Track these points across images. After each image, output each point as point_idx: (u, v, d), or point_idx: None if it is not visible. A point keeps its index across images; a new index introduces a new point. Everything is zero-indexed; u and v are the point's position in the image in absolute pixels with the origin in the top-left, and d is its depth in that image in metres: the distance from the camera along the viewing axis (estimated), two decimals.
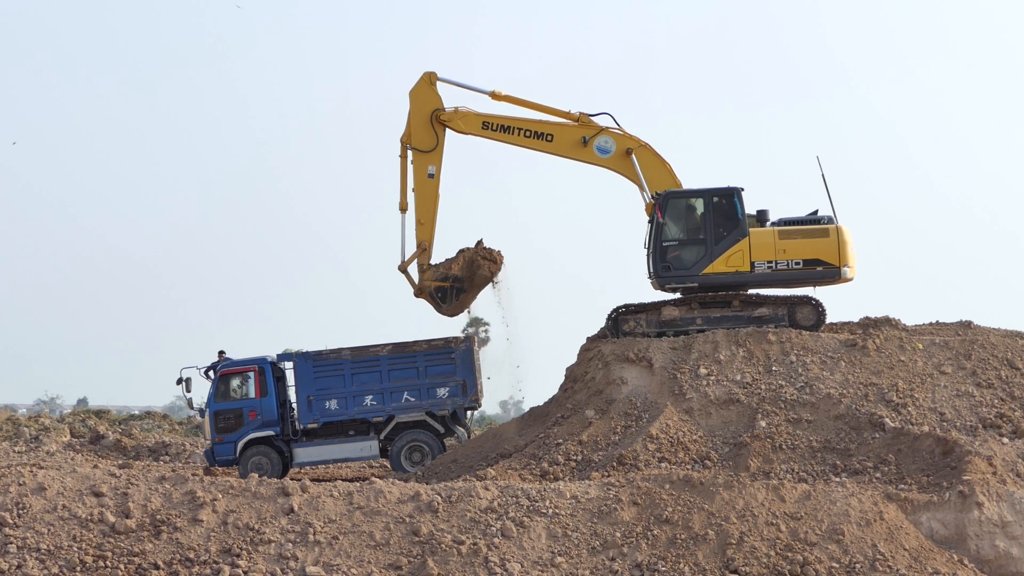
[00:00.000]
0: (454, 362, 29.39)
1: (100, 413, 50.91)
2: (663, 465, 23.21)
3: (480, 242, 29.14)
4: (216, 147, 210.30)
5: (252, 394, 29.76)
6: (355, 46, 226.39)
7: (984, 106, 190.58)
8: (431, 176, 28.47)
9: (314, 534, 19.94)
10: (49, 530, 19.99)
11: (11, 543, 19.70)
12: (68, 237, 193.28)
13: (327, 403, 29.52)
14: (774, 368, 25.24)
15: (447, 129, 28.51)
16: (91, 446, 39.35)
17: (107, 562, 19.49)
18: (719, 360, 25.47)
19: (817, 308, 26.94)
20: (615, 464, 23.24)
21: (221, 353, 30.45)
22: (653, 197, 27.35)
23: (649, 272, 27.26)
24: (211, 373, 30.01)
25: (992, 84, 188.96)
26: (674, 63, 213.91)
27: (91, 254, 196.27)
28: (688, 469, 22.93)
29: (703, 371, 25.22)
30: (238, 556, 19.58)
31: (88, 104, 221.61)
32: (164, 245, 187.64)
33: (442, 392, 29.49)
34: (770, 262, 26.63)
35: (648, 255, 27.16)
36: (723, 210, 26.89)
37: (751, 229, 26.76)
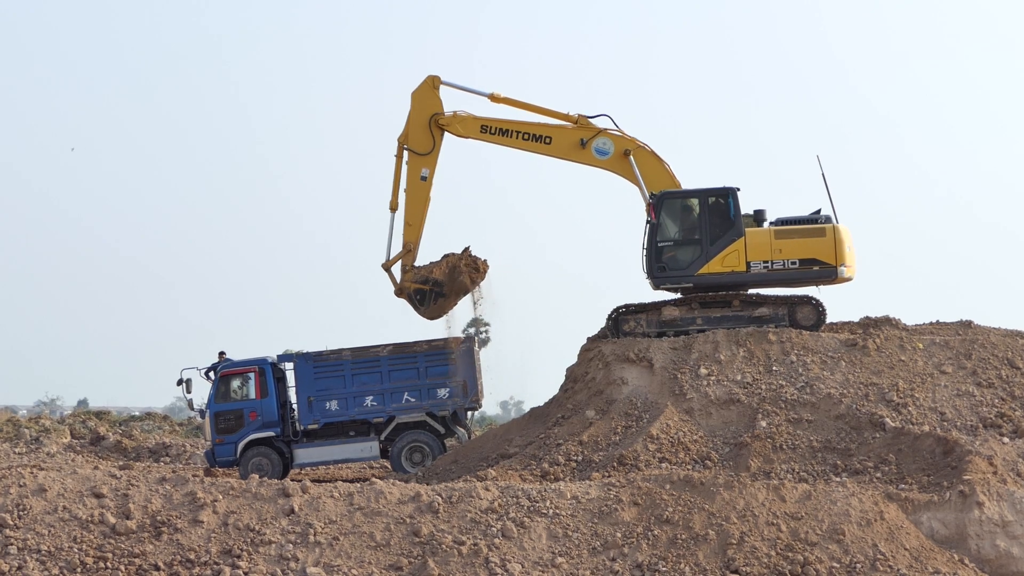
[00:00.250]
0: (455, 363, 29.40)
1: (100, 414, 50.92)
2: (664, 465, 23.21)
3: (467, 249, 29.19)
4: (216, 148, 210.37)
5: (252, 395, 29.76)
6: (356, 46, 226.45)
7: (984, 105, 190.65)
8: (423, 179, 28.60)
9: (315, 535, 19.94)
10: (50, 531, 19.99)
11: (12, 544, 19.70)
12: (68, 238, 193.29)
13: (327, 404, 29.52)
14: (774, 368, 25.24)
15: (446, 133, 28.62)
16: (92, 447, 39.35)
17: (108, 563, 19.49)
18: (719, 360, 25.47)
19: (817, 308, 26.92)
20: (616, 464, 23.24)
21: (221, 354, 30.44)
22: (650, 197, 27.38)
23: (644, 272, 27.25)
24: (211, 374, 30.00)
25: (992, 83, 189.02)
26: (675, 63, 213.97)
27: (91, 255, 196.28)
28: (689, 469, 22.93)
29: (703, 371, 25.22)
30: (239, 557, 19.59)
31: (88, 105, 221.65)
32: (164, 246, 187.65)
33: (443, 393, 29.49)
34: (766, 262, 26.62)
35: (644, 255, 27.16)
36: (719, 210, 26.89)
37: (747, 229, 26.76)
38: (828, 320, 27.17)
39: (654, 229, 26.98)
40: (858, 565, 19.64)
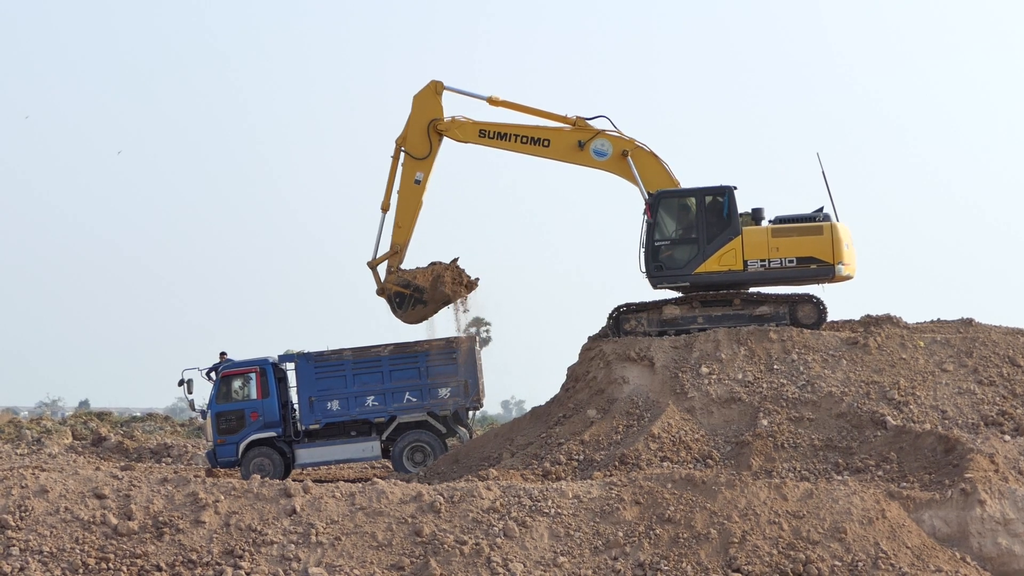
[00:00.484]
0: (455, 362, 29.41)
1: (102, 415, 50.99)
2: (665, 464, 23.21)
3: (455, 260, 29.28)
4: (217, 148, 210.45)
5: (254, 395, 29.79)
6: (357, 47, 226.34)
7: (986, 103, 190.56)
8: (417, 182, 28.78)
9: (316, 535, 19.94)
10: (51, 532, 19.99)
11: (14, 546, 19.70)
12: (69, 239, 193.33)
13: (329, 404, 29.54)
14: (775, 367, 25.24)
15: (445, 138, 28.75)
16: (93, 448, 39.38)
17: (110, 564, 19.49)
18: (720, 359, 25.47)
19: (818, 306, 26.91)
20: (617, 463, 23.24)
21: (222, 354, 30.46)
22: (648, 197, 27.40)
23: (642, 271, 27.24)
24: (213, 374, 30.03)
25: (994, 80, 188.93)
26: (677, 62, 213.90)
27: (92, 256, 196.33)
28: (690, 468, 22.93)
29: (704, 370, 25.22)
30: (240, 557, 19.59)
31: (89, 105, 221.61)
32: (165, 246, 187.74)
33: (444, 392, 29.51)
34: (763, 260, 26.61)
35: (641, 254, 27.16)
36: (716, 209, 26.89)
37: (745, 228, 26.76)
38: (829, 318, 27.16)
39: (651, 228, 27.00)
40: (860, 564, 19.63)
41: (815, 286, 27.54)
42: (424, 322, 29.39)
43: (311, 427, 29.66)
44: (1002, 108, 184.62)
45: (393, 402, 29.52)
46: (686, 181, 27.85)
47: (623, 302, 27.55)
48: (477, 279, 29.28)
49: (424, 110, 28.70)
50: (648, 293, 27.81)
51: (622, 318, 27.36)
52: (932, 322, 27.90)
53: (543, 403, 27.78)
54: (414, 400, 29.48)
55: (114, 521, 20.17)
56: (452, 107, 28.89)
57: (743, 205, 27.08)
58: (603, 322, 27.86)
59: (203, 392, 31.05)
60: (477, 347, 30.04)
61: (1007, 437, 23.30)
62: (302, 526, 20.10)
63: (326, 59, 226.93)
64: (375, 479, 21.93)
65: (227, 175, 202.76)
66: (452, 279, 28.87)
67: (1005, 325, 27.18)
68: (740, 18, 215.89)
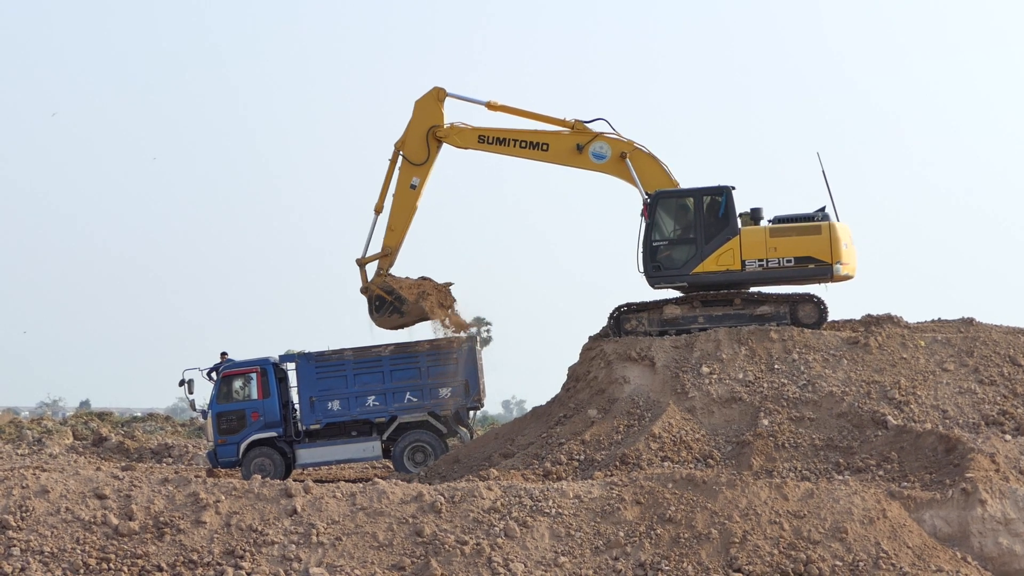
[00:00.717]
0: (456, 362, 29.42)
1: (103, 415, 50.96)
2: (666, 464, 23.21)
3: (448, 284, 29.44)
4: (217, 149, 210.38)
5: (254, 395, 29.79)
6: (357, 47, 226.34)
7: (986, 102, 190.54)
8: (413, 187, 28.87)
9: (317, 535, 19.94)
10: (52, 533, 20.00)
11: (15, 546, 19.70)
12: (69, 239, 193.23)
13: (329, 404, 29.55)
14: (776, 366, 25.24)
15: (444, 145, 28.85)
16: (94, 448, 39.38)
17: (110, 564, 19.49)
18: (721, 359, 25.47)
19: (819, 306, 26.90)
20: (618, 463, 23.24)
21: (223, 354, 30.46)
22: (646, 197, 27.41)
23: (640, 271, 27.23)
24: (213, 375, 30.03)
25: (993, 80, 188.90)
26: (677, 62, 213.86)
27: (92, 256, 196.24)
28: (691, 468, 22.93)
29: (705, 370, 25.22)
30: (241, 558, 19.59)
31: (89, 106, 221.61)
32: (166, 247, 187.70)
33: (444, 392, 29.52)
34: (761, 260, 26.60)
35: (639, 254, 27.17)
36: (714, 209, 26.89)
37: (743, 227, 26.76)
38: (830, 318, 27.16)
39: (650, 228, 27.02)
40: (861, 563, 19.63)
41: (817, 286, 27.53)
42: (399, 330, 29.63)
43: (312, 427, 29.67)
44: (1003, 107, 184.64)
45: (394, 402, 29.53)
46: (687, 182, 27.87)
47: (624, 302, 27.57)
48: (468, 324, 29.61)
49: (425, 116, 28.81)
50: (649, 293, 27.85)
51: (623, 318, 27.36)
52: (933, 322, 27.89)
53: (544, 403, 27.79)
54: (415, 400, 29.49)
55: (115, 521, 20.18)
56: (451, 112, 29.02)
57: (744, 205, 27.11)
58: (604, 322, 27.88)
59: (204, 392, 31.10)
60: (478, 347, 30.05)
61: (1008, 437, 23.30)
62: (303, 526, 20.10)
63: (326, 60, 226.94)
64: (376, 479, 21.93)
65: (227, 176, 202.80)
66: (437, 300, 29.10)
67: (1006, 324, 27.18)
68: (740, 18, 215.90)
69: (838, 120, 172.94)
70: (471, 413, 30.69)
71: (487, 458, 25.83)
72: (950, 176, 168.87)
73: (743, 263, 26.61)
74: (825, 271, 26.55)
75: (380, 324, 29.28)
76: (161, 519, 20.23)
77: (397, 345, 29.69)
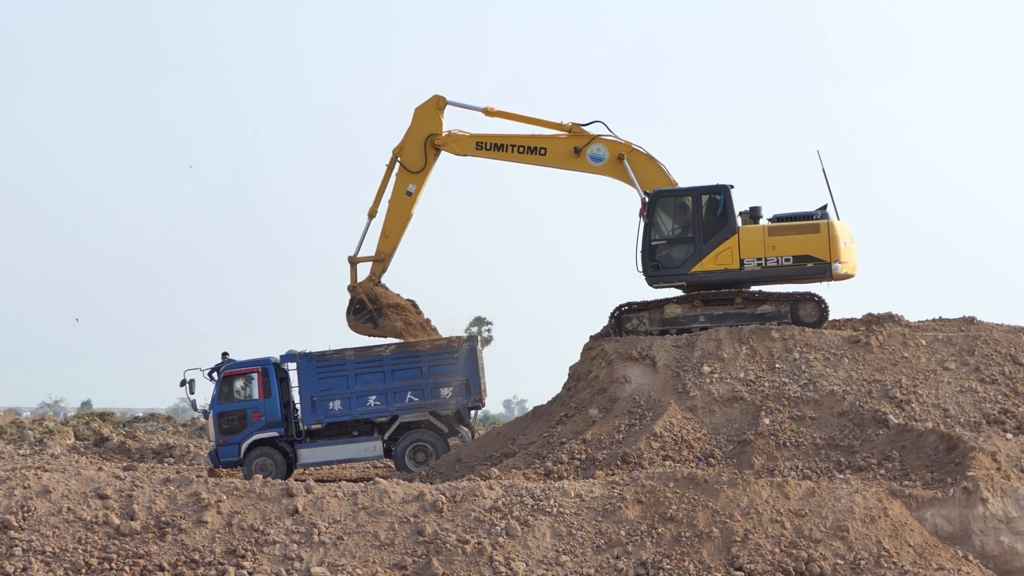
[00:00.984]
0: (457, 362, 29.42)
1: (104, 415, 50.90)
2: (667, 463, 23.22)
3: (428, 320, 29.72)
4: (218, 150, 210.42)
5: (256, 395, 29.79)
6: (358, 49, 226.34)
7: (988, 100, 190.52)
8: (409, 194, 29.07)
9: (319, 535, 19.94)
10: (54, 533, 20.01)
11: (16, 546, 19.71)
12: (70, 240, 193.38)
13: (331, 404, 29.53)
14: (777, 365, 25.24)
15: (442, 153, 28.97)
16: (95, 448, 39.38)
17: (112, 564, 19.50)
18: (722, 358, 25.47)
19: (820, 305, 26.90)
20: (619, 462, 23.24)
21: (224, 354, 30.46)
22: (645, 197, 27.42)
23: (639, 271, 27.25)
24: (215, 375, 30.03)
25: (997, 78, 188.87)
26: (679, 61, 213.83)
27: (94, 257, 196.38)
28: (692, 467, 22.94)
29: (706, 369, 25.22)
30: (243, 557, 19.59)
31: (89, 106, 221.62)
32: (167, 248, 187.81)
33: (446, 392, 29.50)
34: (759, 259, 26.59)
35: (638, 253, 27.18)
36: (712, 208, 26.89)
37: (742, 226, 26.76)
38: (831, 317, 27.15)
39: (648, 228, 27.04)
40: (862, 562, 19.63)
41: (818, 284, 27.52)
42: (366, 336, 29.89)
43: (313, 427, 29.66)
44: (1005, 106, 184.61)
45: (395, 402, 29.52)
46: (687, 181, 27.87)
47: (625, 301, 27.58)
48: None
49: (424, 124, 28.94)
50: (649, 292, 27.86)
51: (624, 317, 27.37)
52: (934, 320, 27.89)
53: (545, 402, 27.80)
54: (416, 400, 29.48)
55: (116, 521, 20.19)
56: (449, 118, 29.16)
57: (744, 204, 27.12)
58: (605, 321, 27.89)
59: (205, 392, 31.07)
60: (479, 346, 30.05)
61: (1009, 435, 23.30)
62: (304, 526, 20.11)
63: (327, 61, 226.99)
64: (377, 479, 21.94)
65: (227, 176, 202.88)
66: (414, 322, 29.34)
67: (1007, 323, 27.18)
68: (741, 17, 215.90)
69: (839, 119, 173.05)
70: (472, 413, 30.66)
71: (488, 457, 25.84)
72: (951, 174, 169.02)
73: (741, 262, 26.61)
74: (824, 270, 26.54)
75: (352, 326, 29.62)
76: (163, 519, 20.24)
77: (398, 345, 29.70)
